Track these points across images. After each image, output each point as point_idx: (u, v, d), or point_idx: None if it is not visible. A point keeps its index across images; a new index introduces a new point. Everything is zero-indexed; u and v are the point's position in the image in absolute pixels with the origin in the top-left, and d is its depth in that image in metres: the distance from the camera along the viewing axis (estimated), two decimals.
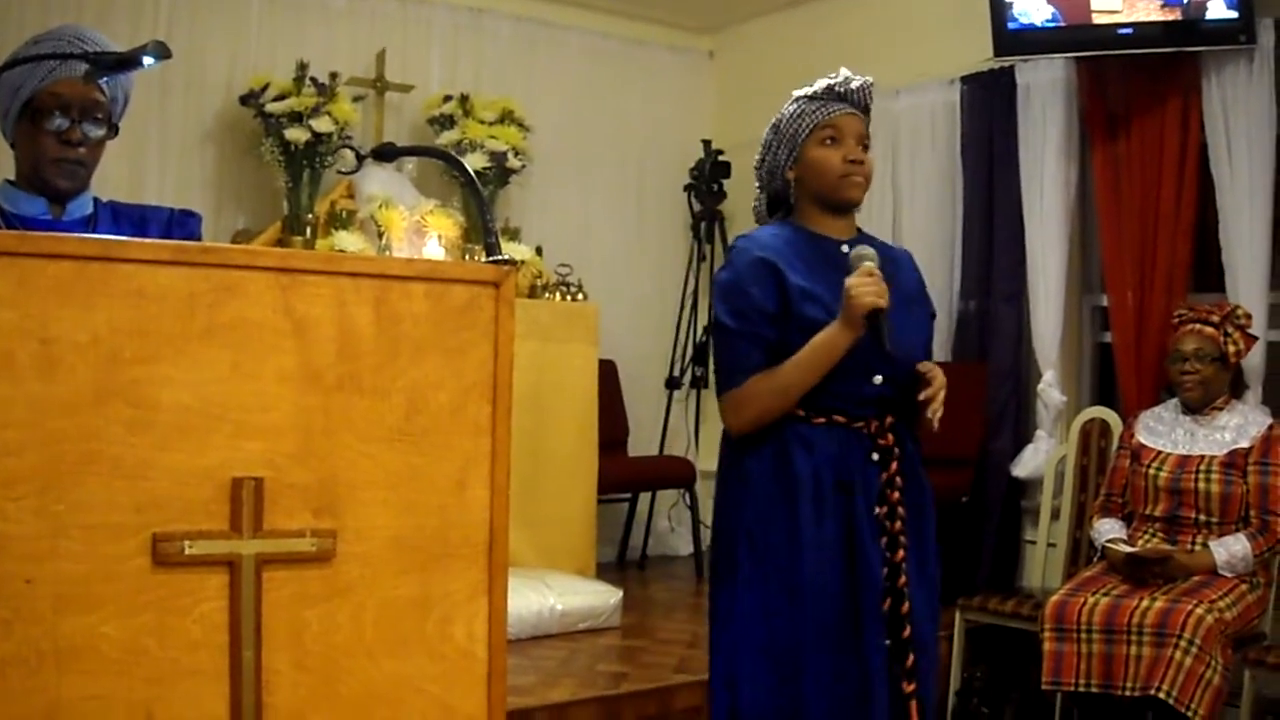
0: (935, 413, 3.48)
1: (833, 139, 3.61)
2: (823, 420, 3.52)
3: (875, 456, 3.54)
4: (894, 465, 3.54)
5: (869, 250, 3.52)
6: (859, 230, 3.75)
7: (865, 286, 3.40)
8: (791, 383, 3.48)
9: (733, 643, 3.54)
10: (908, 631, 3.49)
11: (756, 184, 3.82)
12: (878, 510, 3.52)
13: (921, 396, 3.47)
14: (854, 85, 3.66)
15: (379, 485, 2.26)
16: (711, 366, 3.83)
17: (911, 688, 3.48)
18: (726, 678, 3.55)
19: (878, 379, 3.52)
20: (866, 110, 3.72)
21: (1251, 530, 5.35)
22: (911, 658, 3.49)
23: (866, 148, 3.67)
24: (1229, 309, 5.78)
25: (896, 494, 3.53)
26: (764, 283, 3.52)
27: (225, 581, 2.15)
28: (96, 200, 3.25)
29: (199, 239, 3.33)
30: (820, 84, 3.67)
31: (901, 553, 3.51)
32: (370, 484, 2.25)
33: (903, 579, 3.50)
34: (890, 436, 3.56)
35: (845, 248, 3.60)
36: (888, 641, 3.48)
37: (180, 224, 3.32)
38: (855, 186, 3.62)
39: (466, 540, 2.33)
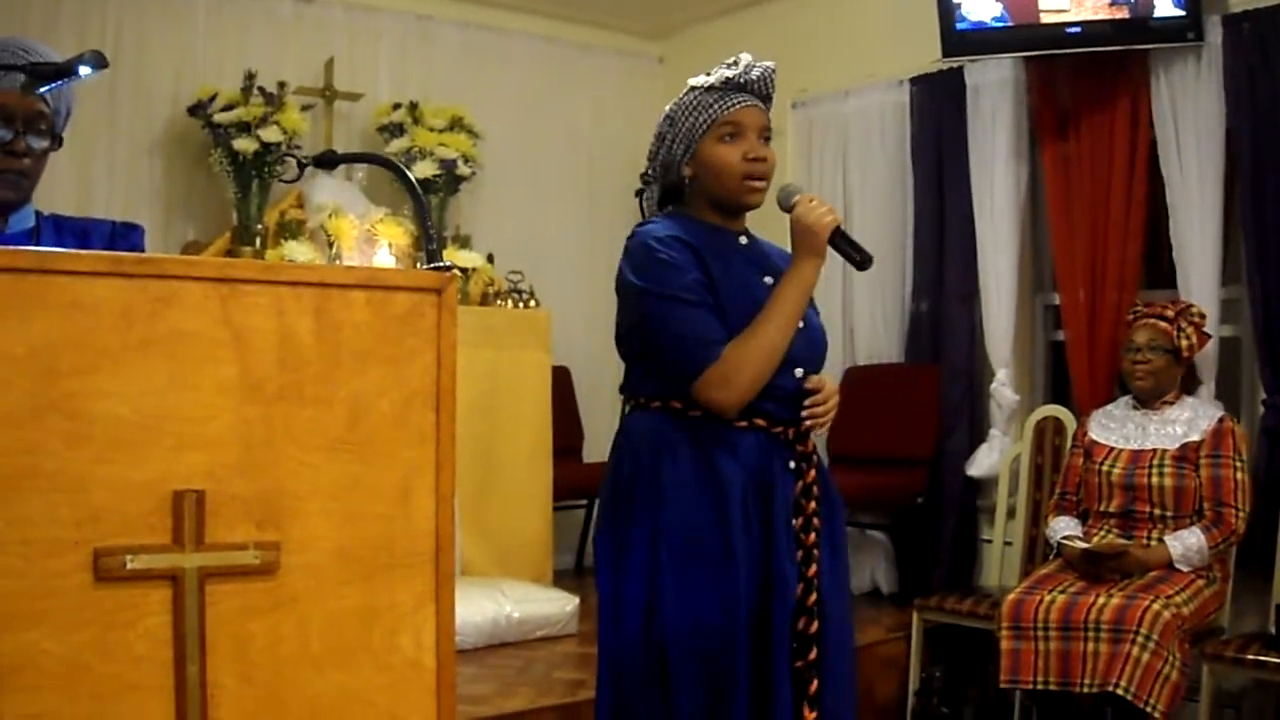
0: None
1: (732, 135, 3.38)
2: (744, 424, 3.33)
3: (792, 464, 3.38)
4: (811, 474, 3.39)
5: (791, 183, 3.44)
6: (746, 227, 3.57)
7: (816, 209, 3.32)
8: (778, 337, 3.27)
9: (661, 653, 3.28)
10: (814, 654, 3.32)
11: (648, 175, 3.60)
12: (794, 521, 3.35)
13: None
14: (754, 74, 3.43)
15: (322, 495, 2.23)
16: (640, 349, 3.54)
17: (813, 715, 3.30)
18: (651, 704, 3.29)
19: (798, 371, 3.37)
20: (768, 100, 3.49)
21: (1206, 523, 5.37)
22: (815, 683, 3.31)
23: (768, 139, 3.45)
24: (1184, 306, 5.82)
25: (813, 504, 3.37)
26: (695, 264, 3.33)
27: (168, 595, 2.12)
28: (38, 213, 3.23)
29: (142, 251, 3.31)
30: (718, 74, 3.43)
31: (815, 567, 3.34)
32: (313, 494, 2.23)
33: (813, 596, 3.32)
34: (810, 443, 3.42)
35: (743, 239, 3.48)
36: (798, 664, 3.31)
37: (123, 236, 3.30)
38: (755, 191, 3.41)
39: (412, 549, 2.31)
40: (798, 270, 3.34)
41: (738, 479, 3.31)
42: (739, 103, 3.41)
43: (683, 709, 3.27)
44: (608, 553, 3.46)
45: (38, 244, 3.13)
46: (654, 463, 3.39)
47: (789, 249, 3.44)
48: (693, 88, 3.47)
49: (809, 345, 3.42)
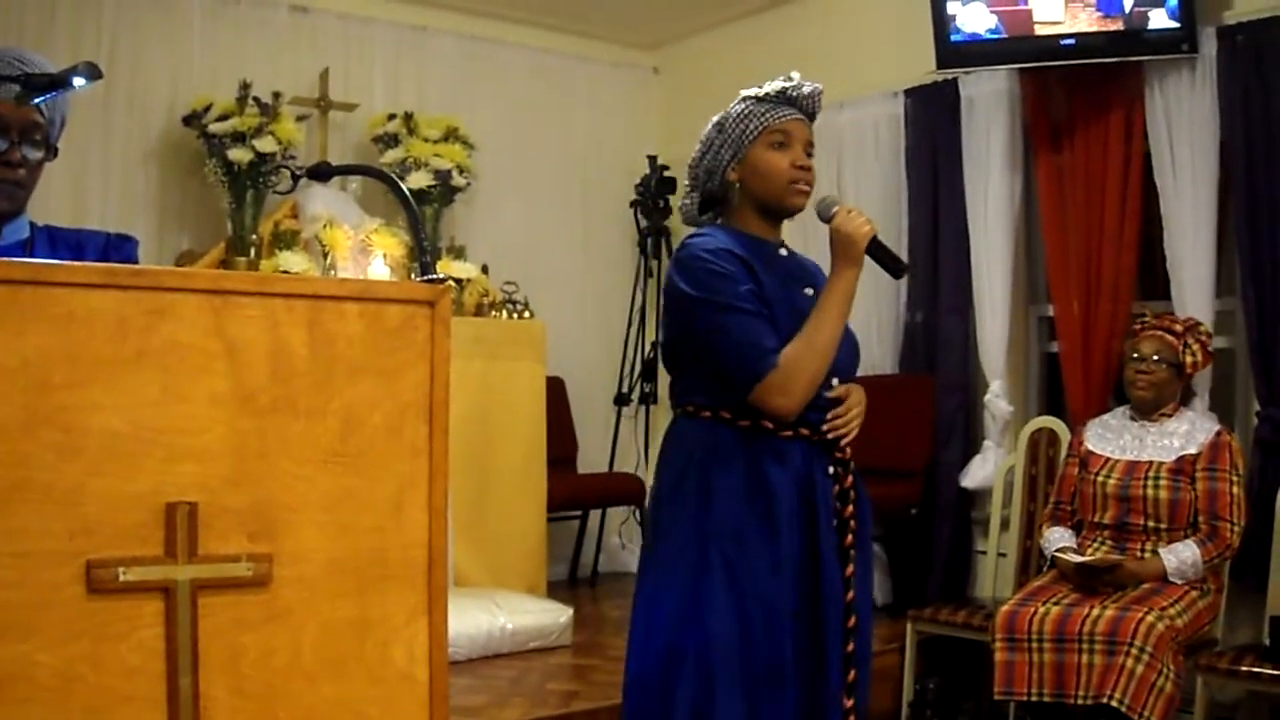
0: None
1: (781, 144, 3.53)
2: (790, 433, 3.43)
3: (831, 470, 3.49)
4: (849, 479, 3.51)
5: (830, 195, 3.56)
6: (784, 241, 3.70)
7: (855, 219, 3.44)
8: (829, 340, 3.41)
9: (705, 669, 3.37)
10: (851, 646, 3.45)
11: (688, 182, 3.71)
12: (834, 523, 3.47)
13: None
14: (805, 91, 3.59)
15: (315, 508, 2.24)
16: (693, 358, 3.54)
17: (850, 703, 3.44)
18: (694, 705, 3.37)
19: (835, 381, 3.50)
20: (813, 119, 3.65)
21: (1200, 536, 5.37)
22: (854, 673, 3.45)
23: (811, 155, 3.60)
24: (1193, 323, 5.83)
25: (851, 508, 3.49)
26: (746, 275, 3.43)
27: (161, 608, 2.13)
28: (33, 224, 3.22)
29: (136, 263, 3.30)
30: (772, 86, 3.59)
31: (852, 567, 3.46)
32: (306, 506, 2.23)
33: (851, 594, 3.46)
34: (847, 449, 3.52)
35: (783, 251, 3.60)
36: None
37: (116, 248, 3.30)
38: (800, 194, 3.54)
39: (405, 561, 2.31)
40: (840, 278, 3.47)
41: (787, 487, 3.42)
42: (789, 115, 3.58)
43: (723, 710, 3.36)
44: (651, 556, 3.60)
45: (31, 255, 3.12)
46: (703, 469, 3.48)
47: (820, 261, 3.62)
48: (745, 97, 3.62)
49: (846, 355, 3.55)
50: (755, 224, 3.60)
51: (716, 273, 3.43)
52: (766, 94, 3.59)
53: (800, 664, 3.41)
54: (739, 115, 3.59)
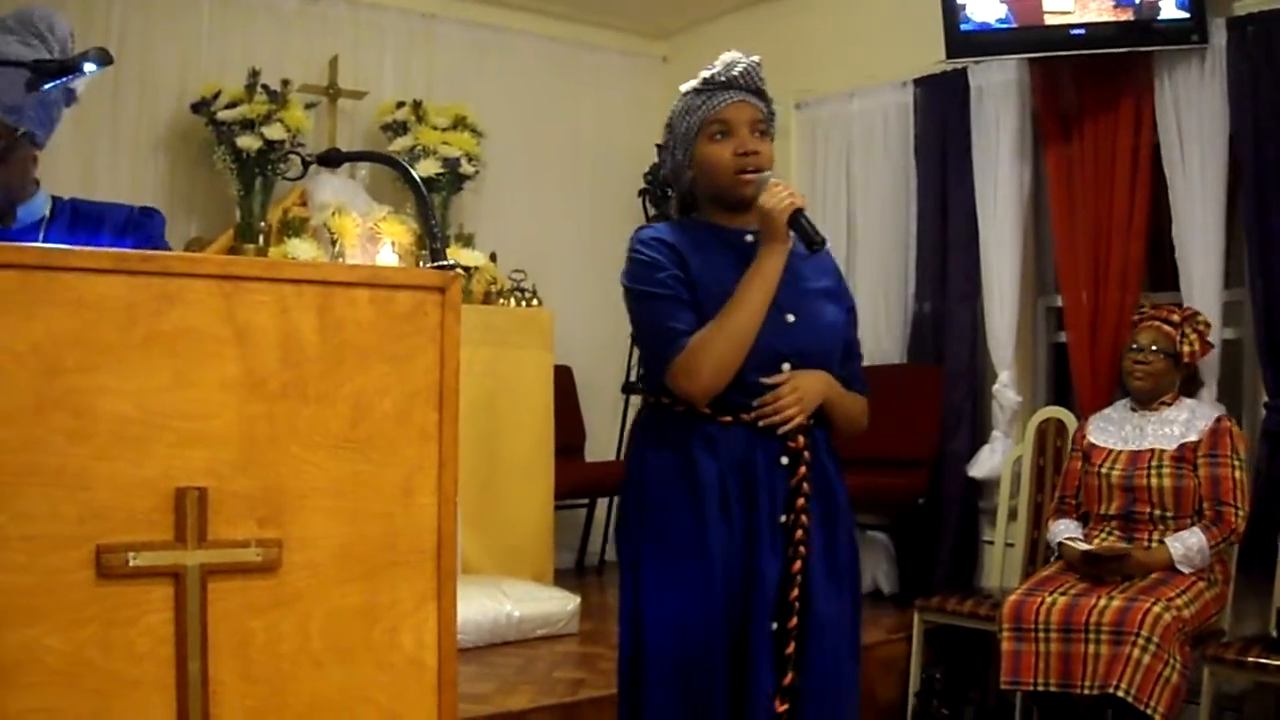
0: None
1: (722, 133, 3.44)
2: (729, 418, 3.35)
3: (784, 460, 3.37)
4: (801, 470, 3.37)
5: (766, 173, 3.42)
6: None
7: (776, 193, 3.33)
8: (742, 322, 3.28)
9: (640, 650, 3.38)
10: (790, 648, 3.32)
11: (661, 186, 3.69)
12: (783, 518, 3.35)
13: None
14: (737, 70, 3.46)
15: (324, 493, 2.23)
16: (639, 343, 3.64)
17: (784, 708, 3.30)
18: (630, 683, 3.41)
19: (785, 367, 3.37)
20: (761, 94, 3.51)
21: (1205, 522, 5.37)
22: (790, 676, 3.32)
23: (764, 134, 3.48)
24: (1191, 313, 5.83)
25: (803, 500, 3.35)
26: (672, 261, 3.39)
27: (170, 593, 2.12)
28: (57, 200, 3.20)
29: (159, 238, 3.28)
30: (702, 75, 3.49)
31: (799, 564, 3.33)
32: (315, 492, 2.23)
33: (795, 592, 3.32)
34: (800, 439, 3.38)
35: (749, 237, 3.45)
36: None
37: (138, 225, 3.26)
38: (748, 184, 3.40)
39: (414, 548, 2.31)
40: (759, 258, 3.36)
41: (714, 472, 3.33)
42: (725, 100, 3.46)
43: (654, 708, 3.33)
44: (617, 549, 3.60)
45: (46, 236, 3.11)
46: (640, 457, 3.49)
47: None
48: (683, 93, 3.55)
49: (795, 340, 3.41)
50: (719, 215, 3.53)
51: (643, 261, 3.45)
52: (698, 85, 3.51)
53: (732, 658, 3.32)
54: (680, 112, 3.54)
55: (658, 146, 9.11)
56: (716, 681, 3.29)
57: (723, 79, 3.47)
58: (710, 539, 3.31)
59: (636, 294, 3.46)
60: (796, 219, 3.34)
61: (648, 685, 3.35)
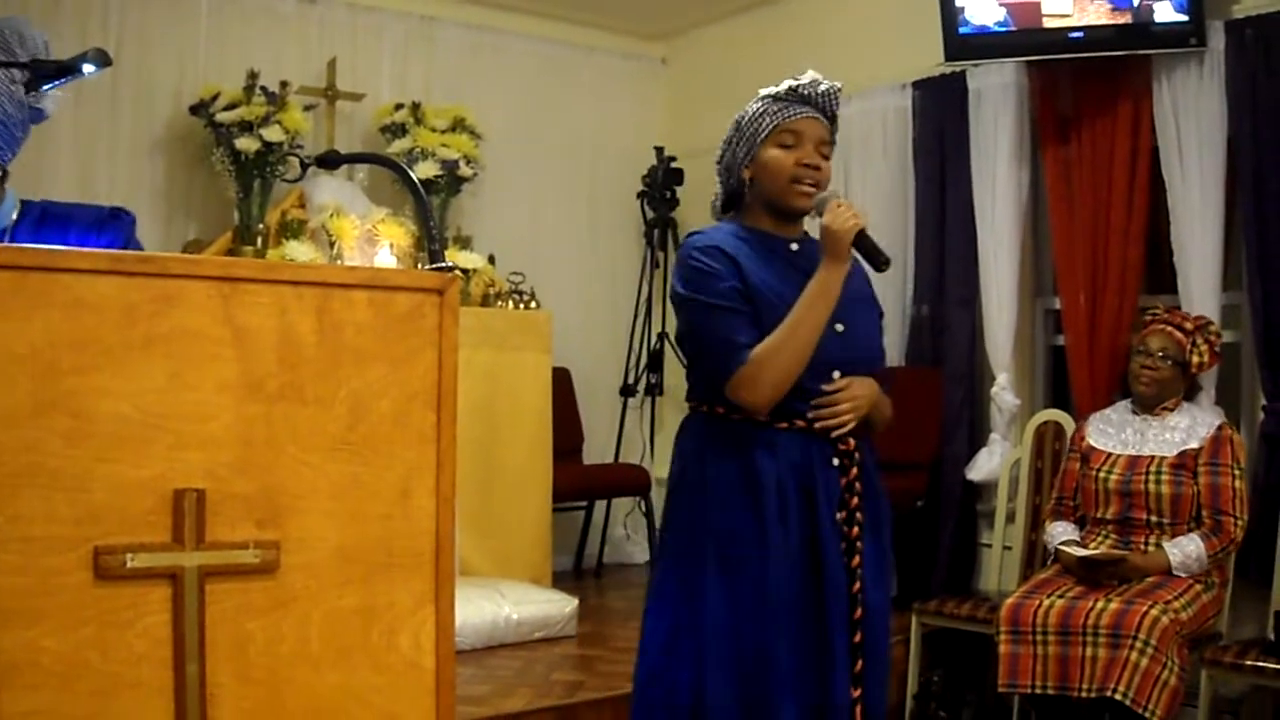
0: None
1: (790, 143, 3.56)
2: (785, 425, 3.48)
3: (836, 461, 3.52)
4: (854, 470, 3.52)
5: (829, 191, 3.56)
6: (805, 233, 3.72)
7: (843, 214, 3.46)
8: (803, 339, 3.42)
9: (698, 652, 3.47)
10: (859, 637, 3.48)
11: (717, 179, 3.77)
12: (838, 515, 3.49)
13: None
14: (820, 89, 3.61)
15: (322, 495, 2.23)
16: (689, 355, 3.72)
17: (858, 693, 3.47)
18: (692, 688, 3.47)
19: (836, 374, 3.51)
20: (832, 117, 3.66)
21: (1205, 530, 5.36)
22: (860, 663, 3.48)
23: (827, 156, 3.62)
24: (1204, 322, 5.81)
25: (856, 499, 3.51)
26: (731, 271, 3.49)
27: (168, 594, 2.12)
28: (27, 202, 3.16)
29: (130, 238, 3.24)
30: (785, 84, 3.61)
31: (858, 559, 3.49)
32: (313, 494, 2.23)
33: (857, 585, 3.48)
34: (851, 441, 3.53)
35: (794, 245, 3.62)
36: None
37: (105, 225, 3.18)
38: (803, 195, 3.56)
39: (412, 550, 2.31)
40: (820, 275, 3.48)
41: (773, 475, 3.46)
42: (801, 113, 3.59)
43: (712, 691, 3.44)
44: (661, 546, 3.74)
45: (12, 237, 3.07)
46: (699, 464, 3.60)
47: None
48: (761, 96, 3.64)
49: (845, 349, 3.55)
50: (767, 221, 3.65)
51: (702, 270, 3.52)
52: (779, 93, 3.61)
53: (803, 654, 3.44)
54: (753, 114, 3.62)
55: (656, 149, 9.15)
56: (779, 671, 3.42)
57: (805, 93, 3.61)
58: (771, 537, 3.44)
59: (697, 305, 3.54)
60: (861, 239, 3.49)
61: (707, 678, 3.45)
